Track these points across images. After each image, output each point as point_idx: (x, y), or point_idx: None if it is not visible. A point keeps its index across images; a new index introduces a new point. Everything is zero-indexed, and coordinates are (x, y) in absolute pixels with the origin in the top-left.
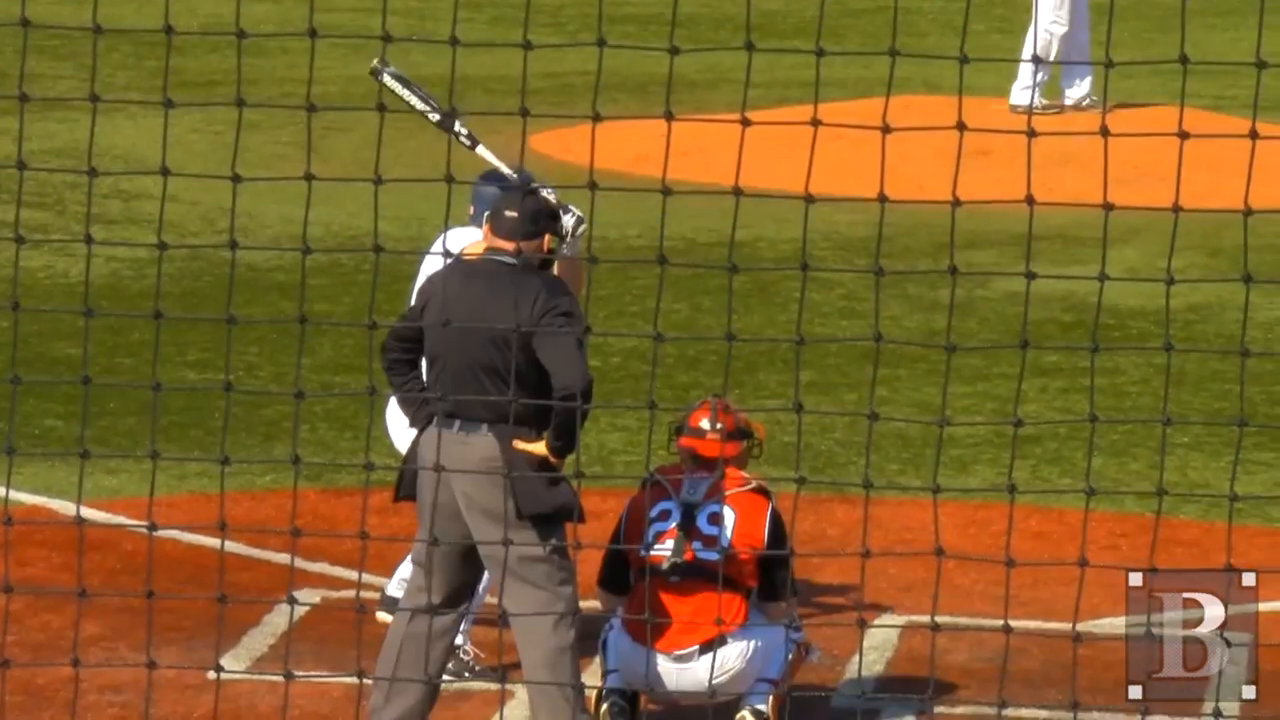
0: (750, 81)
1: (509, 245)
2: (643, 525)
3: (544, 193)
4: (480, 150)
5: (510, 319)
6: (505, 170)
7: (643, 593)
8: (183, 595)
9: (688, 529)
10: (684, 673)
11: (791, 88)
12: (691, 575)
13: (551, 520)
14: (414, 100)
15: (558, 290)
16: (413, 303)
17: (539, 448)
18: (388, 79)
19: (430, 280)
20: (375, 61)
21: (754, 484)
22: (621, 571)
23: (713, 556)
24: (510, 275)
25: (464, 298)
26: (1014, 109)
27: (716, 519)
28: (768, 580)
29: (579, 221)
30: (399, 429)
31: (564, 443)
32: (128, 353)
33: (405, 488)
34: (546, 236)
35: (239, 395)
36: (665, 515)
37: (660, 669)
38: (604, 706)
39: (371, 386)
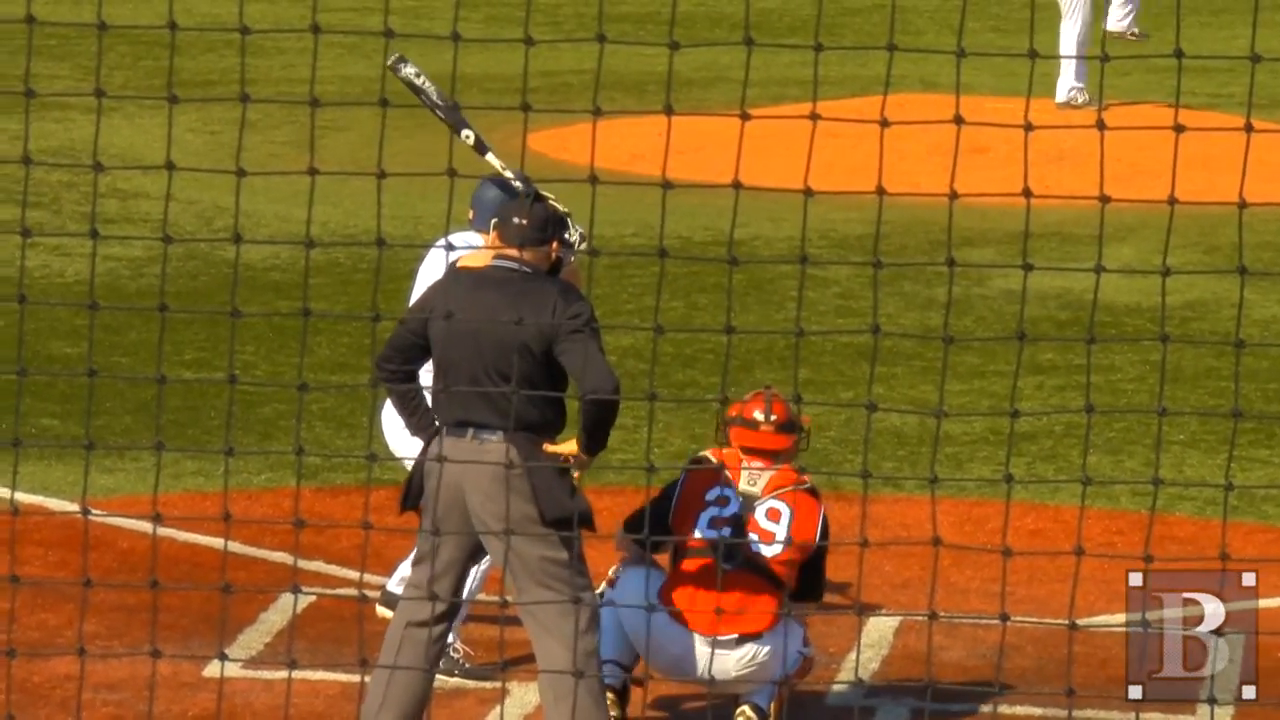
0: (748, 79)
1: (517, 252)
2: (697, 504)
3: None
4: (489, 157)
5: (524, 325)
6: (510, 176)
7: (684, 572)
8: (186, 586)
9: (746, 521)
10: (716, 659)
11: (788, 86)
12: (742, 566)
13: (572, 526)
14: (429, 96)
15: (573, 296)
16: (411, 310)
17: (570, 447)
18: (406, 72)
19: (433, 288)
20: (393, 58)
21: (808, 484)
22: (655, 524)
23: (771, 551)
24: (522, 281)
25: (474, 305)
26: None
27: (775, 515)
28: (806, 582)
29: (581, 238)
30: (396, 433)
31: (597, 443)
32: (124, 352)
33: (413, 499)
34: (554, 243)
35: (235, 394)
36: (723, 502)
37: (695, 652)
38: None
39: (373, 381)
